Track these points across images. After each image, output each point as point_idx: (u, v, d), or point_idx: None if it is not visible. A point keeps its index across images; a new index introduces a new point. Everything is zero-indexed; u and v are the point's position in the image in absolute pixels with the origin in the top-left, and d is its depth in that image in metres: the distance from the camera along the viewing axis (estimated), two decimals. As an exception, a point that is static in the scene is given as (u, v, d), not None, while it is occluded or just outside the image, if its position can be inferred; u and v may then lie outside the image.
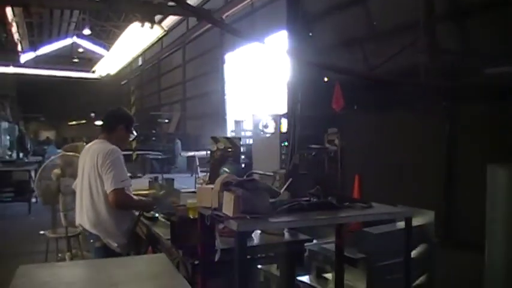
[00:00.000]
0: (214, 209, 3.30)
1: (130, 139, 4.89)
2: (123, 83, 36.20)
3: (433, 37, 7.82)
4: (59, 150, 9.88)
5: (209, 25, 21.43)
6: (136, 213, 4.75)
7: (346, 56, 11.25)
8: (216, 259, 3.36)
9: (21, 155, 16.37)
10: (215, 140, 5.83)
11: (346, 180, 8.56)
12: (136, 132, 4.92)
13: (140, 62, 31.90)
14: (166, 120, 26.48)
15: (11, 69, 15.23)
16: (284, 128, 11.92)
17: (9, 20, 21.76)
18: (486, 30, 7.02)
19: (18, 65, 15.93)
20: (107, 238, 4.43)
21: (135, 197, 4.60)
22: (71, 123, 32.71)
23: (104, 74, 13.85)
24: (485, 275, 1.78)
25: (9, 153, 18.09)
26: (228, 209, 3.12)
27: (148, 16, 23.71)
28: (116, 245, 4.43)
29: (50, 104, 30.64)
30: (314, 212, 3.28)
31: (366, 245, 4.69)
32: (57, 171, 6.18)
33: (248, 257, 3.42)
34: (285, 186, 3.79)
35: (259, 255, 4.08)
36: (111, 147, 4.41)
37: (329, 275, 5.09)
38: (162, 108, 29.66)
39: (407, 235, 3.22)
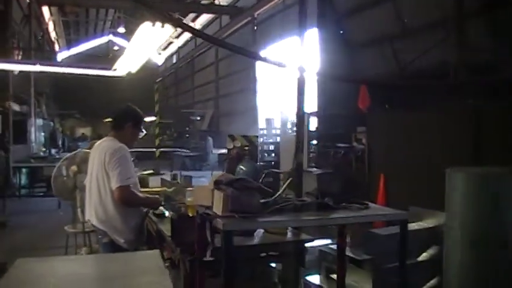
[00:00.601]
0: (207, 208, 3.29)
1: (140, 137, 4.90)
2: (158, 80, 36.67)
3: (462, 33, 7.66)
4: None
5: (242, 23, 21.57)
6: (144, 210, 4.76)
7: (377, 53, 11.15)
8: (207, 256, 3.34)
9: (53, 151, 16.72)
10: (232, 138, 5.79)
11: (372, 180, 8.45)
12: (145, 130, 4.93)
13: (175, 60, 32.26)
14: (198, 118, 26.65)
15: (44, 68, 15.54)
16: (312, 126, 11.88)
17: (46, 19, 22.26)
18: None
19: (46, 63, 16.24)
20: (114, 234, 4.45)
21: (141, 194, 4.61)
22: (106, 120, 33.17)
23: (124, 72, 13.97)
24: (443, 278, 1.72)
25: (44, 149, 18.51)
26: (217, 208, 3.11)
27: (182, 14, 23.93)
28: (122, 241, 4.45)
29: (85, 101, 31.20)
30: (307, 212, 3.24)
31: (372, 246, 4.61)
32: (74, 167, 6.27)
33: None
34: (285, 186, 3.75)
35: (261, 255, 4.06)
36: (118, 145, 4.44)
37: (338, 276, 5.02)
38: (195, 105, 29.88)
39: (402, 238, 3.13)
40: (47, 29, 23.25)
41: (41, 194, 13.71)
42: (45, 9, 21.41)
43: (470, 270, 1.60)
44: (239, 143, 6.08)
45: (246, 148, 5.78)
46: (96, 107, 31.67)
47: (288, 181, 3.83)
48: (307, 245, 5.38)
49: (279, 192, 3.76)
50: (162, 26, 9.32)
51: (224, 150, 19.71)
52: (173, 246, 4.00)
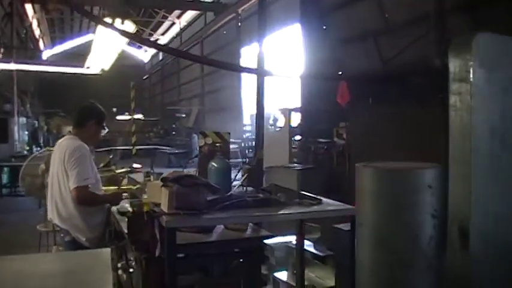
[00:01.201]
0: (156, 205, 3.29)
1: (102, 134, 4.87)
2: (144, 78, 36.59)
3: (443, 29, 7.65)
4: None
5: (226, 19, 21.54)
6: (106, 206, 4.73)
7: (360, 49, 11.15)
8: (156, 254, 3.33)
9: (35, 149, 16.62)
10: (204, 134, 5.78)
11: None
12: (107, 127, 4.91)
13: (161, 57, 32.15)
14: (184, 115, 26.59)
15: (19, 66, 15.45)
16: (295, 122, 11.90)
17: (30, 16, 22.11)
18: (495, 22, 6.83)
19: (20, 61, 16.15)
20: (75, 232, 4.44)
21: (100, 192, 4.59)
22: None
23: (98, 70, 13.92)
24: (357, 276, 1.72)
25: (28, 148, 18.39)
26: (164, 205, 3.11)
27: (167, 11, 23.81)
28: (84, 239, 4.44)
29: (71, 99, 30.94)
30: (257, 208, 3.24)
31: (334, 242, 4.62)
32: (42, 166, 6.24)
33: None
34: (241, 182, 3.75)
35: (220, 252, 4.06)
36: (77, 144, 4.41)
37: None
38: (181, 102, 29.81)
39: (351, 233, 3.13)
40: (30, 26, 23.08)
41: (23, 193, 13.62)
42: (29, 7, 21.29)
43: (376, 270, 1.60)
44: (211, 140, 6.01)
45: (218, 145, 5.72)
46: (80, 104, 31.51)
47: (244, 177, 3.83)
48: (275, 241, 5.42)
49: (234, 189, 3.78)
50: (122, 23, 9.27)
51: (209, 147, 19.70)
52: (129, 244, 3.99)
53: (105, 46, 10.51)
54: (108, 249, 3.43)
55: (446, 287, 1.70)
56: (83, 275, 2.74)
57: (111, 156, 12.34)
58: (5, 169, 14.57)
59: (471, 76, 1.60)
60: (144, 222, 3.69)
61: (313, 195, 3.59)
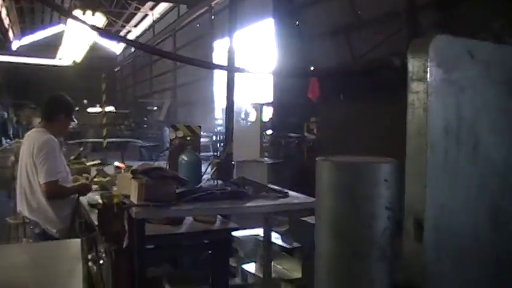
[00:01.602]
0: (126, 196, 3.33)
1: (70, 126, 4.87)
2: (116, 69, 36.28)
3: (414, 26, 7.81)
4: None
5: (199, 12, 21.49)
6: (74, 197, 4.73)
7: (332, 45, 11.27)
8: (124, 245, 3.37)
9: (4, 141, 16.40)
10: (174, 128, 5.81)
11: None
12: (76, 119, 4.90)
13: (133, 49, 31.86)
14: (155, 108, 26.45)
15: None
16: (266, 116, 11.98)
17: (-1, 5, 21.69)
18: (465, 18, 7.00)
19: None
20: (45, 224, 4.44)
21: (68, 185, 4.59)
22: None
23: (69, 61, 13.81)
24: (316, 268, 1.80)
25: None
26: (134, 197, 3.15)
27: (140, 3, 23.62)
28: (54, 230, 4.44)
29: (41, 91, 30.46)
30: (224, 201, 3.30)
31: (302, 234, 4.71)
32: (12, 158, 6.20)
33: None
34: (210, 175, 3.82)
35: (189, 243, 4.12)
36: (46, 138, 4.39)
37: (272, 264, 5.11)
38: (153, 95, 29.64)
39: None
40: (-1, 16, 22.66)
41: (-6, 185, 13.42)
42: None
43: (333, 261, 1.68)
44: (181, 133, 6.05)
45: (188, 138, 5.76)
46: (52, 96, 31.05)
47: (213, 170, 3.89)
48: (244, 234, 5.49)
49: (203, 182, 3.83)
50: (93, 15, 9.22)
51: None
52: (99, 235, 4.02)
53: (77, 37, 10.41)
54: (78, 240, 3.46)
55: (401, 275, 1.79)
56: (52, 266, 2.77)
57: (81, 149, 12.26)
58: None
59: (428, 76, 1.69)
60: (114, 214, 3.73)
61: (280, 189, 3.67)
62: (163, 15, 26.33)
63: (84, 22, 3.42)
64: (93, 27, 3.65)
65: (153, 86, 30.14)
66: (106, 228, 3.80)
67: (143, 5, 26.52)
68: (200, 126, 6.66)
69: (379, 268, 1.60)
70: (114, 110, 29.83)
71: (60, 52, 14.81)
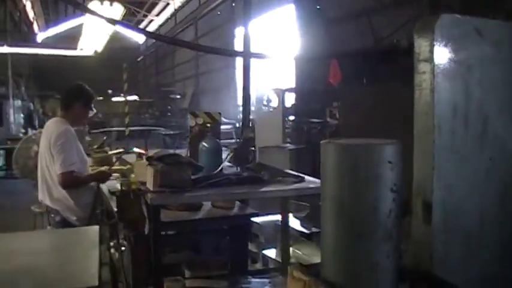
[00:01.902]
0: (143, 183, 3.37)
1: (90, 115, 4.90)
2: (139, 59, 36.49)
3: (436, 8, 7.67)
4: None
5: (220, 0, 21.46)
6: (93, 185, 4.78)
7: (353, 28, 11.16)
8: (146, 232, 3.41)
9: (30, 132, 16.64)
10: (194, 115, 5.82)
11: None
12: (95, 108, 4.94)
13: (155, 38, 31.93)
14: (178, 96, 26.58)
15: (9, 50, 15.42)
16: (288, 102, 11.95)
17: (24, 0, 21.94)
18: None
19: (16, 45, 16.08)
20: (65, 212, 4.49)
21: (85, 174, 4.62)
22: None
23: (91, 51, 13.91)
24: (321, 249, 1.81)
25: (24, 130, 18.42)
26: (149, 183, 3.18)
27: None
28: (74, 218, 4.49)
29: (66, 81, 30.75)
30: (239, 186, 3.31)
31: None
32: (35, 147, 6.27)
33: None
34: (225, 161, 3.82)
35: (207, 229, 4.15)
36: (63, 128, 4.43)
37: (291, 249, 5.12)
38: (176, 84, 29.76)
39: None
40: (24, 9, 22.90)
41: (18, 175, 13.63)
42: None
43: (339, 242, 1.68)
44: (201, 120, 6.07)
45: (208, 125, 5.78)
46: (77, 87, 31.34)
47: (229, 156, 3.90)
48: (264, 219, 5.50)
49: (219, 168, 3.85)
50: (111, 5, 9.26)
51: (203, 128, 19.74)
52: (119, 222, 4.07)
53: (96, 27, 10.47)
54: (96, 227, 3.50)
55: (409, 258, 1.78)
56: (68, 251, 2.81)
57: (104, 138, 12.38)
58: (1, 152, 14.62)
59: (434, 56, 1.66)
60: (131, 201, 3.77)
61: (296, 174, 3.67)
62: (184, 4, 26.32)
63: (100, 15, 3.41)
64: (109, 20, 3.65)
65: (176, 75, 30.25)
66: (124, 214, 3.84)
67: (166, -6, 26.61)
68: (220, 113, 6.66)
69: (385, 250, 1.59)
70: (138, 99, 30.11)
71: (81, 42, 14.94)
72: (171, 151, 3.91)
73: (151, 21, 30.84)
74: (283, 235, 4.19)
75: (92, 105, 4.87)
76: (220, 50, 5.20)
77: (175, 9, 27.82)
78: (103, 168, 5.08)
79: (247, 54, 4.85)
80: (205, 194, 3.23)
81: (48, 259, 2.67)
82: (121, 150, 8.05)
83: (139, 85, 35.83)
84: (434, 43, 1.68)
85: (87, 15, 9.97)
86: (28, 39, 24.18)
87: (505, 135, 1.92)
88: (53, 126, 4.51)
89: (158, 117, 28.17)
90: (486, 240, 1.90)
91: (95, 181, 4.68)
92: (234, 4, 20.61)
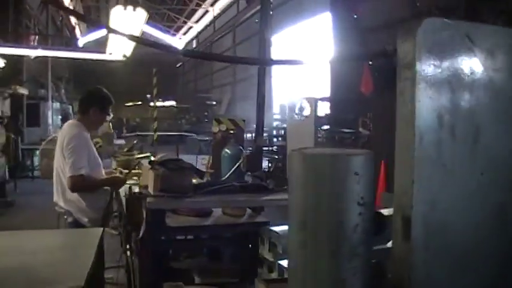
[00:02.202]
0: (145, 187, 3.34)
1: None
2: (178, 65, 36.86)
3: (475, 18, 7.48)
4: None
5: (258, 8, 21.52)
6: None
7: (389, 37, 11.00)
8: (140, 235, 3.38)
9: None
10: (218, 121, 5.78)
11: (377, 166, 8.41)
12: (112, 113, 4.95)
13: (194, 45, 32.32)
14: (214, 103, 26.72)
15: (44, 53, 15.76)
16: (321, 111, 11.85)
17: (66, 3, 22.43)
18: None
19: (47, 47, 16.41)
20: (77, 213, 4.52)
21: (99, 177, 4.63)
22: (127, 104, 33.64)
23: (120, 56, 14.05)
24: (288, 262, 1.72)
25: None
26: (151, 187, 3.15)
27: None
28: (86, 219, 4.51)
29: (106, 85, 31.38)
30: (242, 194, 3.25)
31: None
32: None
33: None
34: (235, 168, 3.76)
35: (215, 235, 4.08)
36: (75, 132, 4.46)
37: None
38: (213, 90, 29.96)
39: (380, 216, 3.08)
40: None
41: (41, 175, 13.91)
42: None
43: (303, 255, 1.59)
44: (225, 127, 6.06)
45: (231, 132, 5.76)
46: (117, 90, 31.92)
47: (238, 163, 3.84)
48: (283, 229, 5.40)
49: (228, 174, 3.79)
50: (134, 10, 9.33)
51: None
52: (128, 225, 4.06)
53: (121, 32, 10.50)
54: (100, 229, 3.49)
55: (387, 278, 1.68)
56: (63, 252, 2.81)
57: (135, 142, 12.50)
58: (36, 152, 14.96)
59: (417, 62, 1.56)
60: (137, 204, 3.76)
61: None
62: (223, 11, 26.53)
63: (120, 33, 3.37)
64: (131, 37, 3.61)
65: (214, 81, 30.46)
66: (131, 218, 3.83)
67: (204, 1, 26.83)
68: (244, 120, 6.60)
69: (351, 267, 1.49)
70: (175, 105, 30.42)
71: (109, 47, 15.14)
72: (175, 156, 3.88)
73: (190, 28, 31.19)
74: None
75: (110, 110, 4.88)
76: (236, 59, 5.14)
77: (214, 17, 28.07)
78: (117, 174, 5.09)
79: (262, 62, 4.79)
80: (205, 200, 3.18)
81: (40, 259, 2.67)
82: (148, 154, 8.11)
83: (177, 90, 36.21)
84: (417, 48, 1.58)
85: (111, 19, 10.08)
86: (70, 43, 24.72)
87: (499, 149, 1.79)
88: (67, 129, 4.54)
89: (195, 123, 28.40)
90: (477, 263, 1.77)
91: (108, 186, 4.69)
92: (271, 12, 20.61)
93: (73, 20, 25.66)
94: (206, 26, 29.96)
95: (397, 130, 1.65)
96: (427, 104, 1.61)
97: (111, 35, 11.44)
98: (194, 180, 3.98)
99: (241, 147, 6.07)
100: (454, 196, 1.69)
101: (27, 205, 11.37)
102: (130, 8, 9.31)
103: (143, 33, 31.29)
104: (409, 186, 1.60)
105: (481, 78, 1.72)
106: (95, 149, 4.63)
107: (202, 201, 3.21)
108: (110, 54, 12.95)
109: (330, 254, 1.47)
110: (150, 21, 30.07)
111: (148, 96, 31.80)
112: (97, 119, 4.74)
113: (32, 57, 16.45)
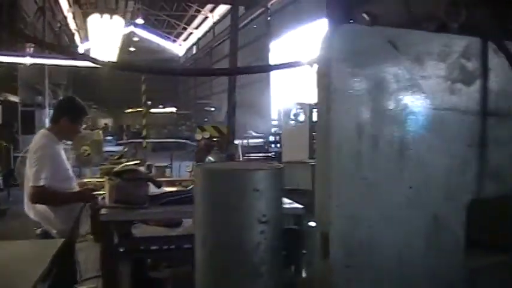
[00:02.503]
0: (103, 198, 3.26)
1: (80, 131, 4.72)
2: (179, 71, 36.83)
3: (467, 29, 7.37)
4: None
5: (256, 14, 21.54)
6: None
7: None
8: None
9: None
10: (201, 129, 5.69)
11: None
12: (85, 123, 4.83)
13: (194, 51, 32.31)
14: (213, 109, 26.67)
15: (34, 60, 15.79)
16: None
17: (65, 10, 22.49)
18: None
19: (36, 55, 16.37)
20: (46, 225, 4.40)
21: (59, 192, 4.47)
22: (127, 111, 33.63)
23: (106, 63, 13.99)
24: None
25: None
26: (106, 198, 3.08)
27: (200, 6, 23.91)
28: (55, 231, 4.39)
29: (106, 92, 31.58)
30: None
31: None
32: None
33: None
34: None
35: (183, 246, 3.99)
36: (42, 142, 4.31)
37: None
38: (213, 96, 29.92)
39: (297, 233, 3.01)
40: (65, 20, 23.48)
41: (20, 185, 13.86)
42: (63, 1, 21.68)
43: (206, 273, 1.50)
44: (208, 134, 6.01)
45: (215, 139, 5.71)
46: (116, 97, 31.97)
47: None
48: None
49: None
50: (111, 18, 9.28)
51: (237, 141, 19.71)
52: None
53: (101, 40, 10.49)
54: (60, 240, 3.41)
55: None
56: (14, 265, 2.72)
57: (125, 149, 12.43)
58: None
59: (332, 71, 1.48)
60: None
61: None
62: (222, 17, 26.52)
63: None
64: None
65: (213, 88, 30.42)
66: (94, 228, 3.75)
67: (203, 7, 26.83)
68: (228, 127, 6.52)
69: (251, 285, 1.41)
70: (175, 111, 30.40)
71: (93, 54, 15.14)
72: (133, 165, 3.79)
73: (190, 34, 31.21)
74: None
75: (82, 120, 4.71)
76: (207, 71, 5.05)
77: (213, 23, 28.05)
78: (90, 186, 4.95)
79: (232, 71, 4.72)
80: (160, 211, 3.10)
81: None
82: (137, 162, 8.02)
83: (179, 97, 36.21)
84: (332, 57, 1.50)
85: (89, 28, 10.09)
86: (68, 50, 24.73)
87: (431, 160, 1.71)
88: (36, 139, 4.43)
89: (194, 129, 28.31)
90: (407, 281, 1.68)
91: (75, 200, 4.50)
92: (269, 18, 20.61)
93: (72, 26, 25.68)
94: (206, 32, 29.95)
95: (316, 142, 1.58)
96: (344, 114, 1.53)
97: (92, 44, 11.42)
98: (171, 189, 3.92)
99: (223, 155, 5.99)
100: (378, 211, 1.60)
101: (21, 214, 11.29)
102: (106, 16, 9.26)
103: (143, 40, 31.36)
104: (327, 201, 1.52)
105: (407, 86, 1.64)
106: (66, 161, 4.48)
107: (157, 212, 3.12)
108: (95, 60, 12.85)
109: (230, 273, 1.39)
110: (150, 27, 30.15)
111: (149, 102, 31.81)
112: (68, 129, 4.56)
113: (28, 65, 16.43)
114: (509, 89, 1.89)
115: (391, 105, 1.61)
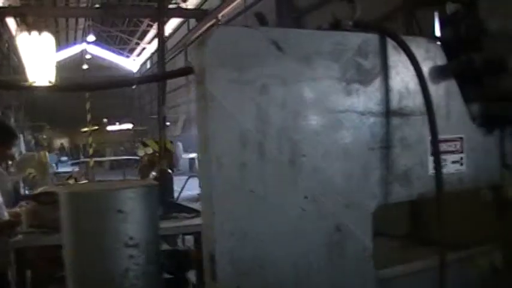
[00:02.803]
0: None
1: (10, 155, 4.47)
2: (133, 87, 36.36)
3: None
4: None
5: (207, 25, 21.40)
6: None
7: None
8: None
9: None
10: (144, 144, 5.53)
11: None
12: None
13: (149, 65, 31.99)
14: (168, 124, 26.37)
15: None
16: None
17: (13, 30, 21.92)
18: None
19: None
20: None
21: None
22: (83, 129, 32.91)
23: (45, 82, 13.62)
24: None
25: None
26: (23, 223, 2.90)
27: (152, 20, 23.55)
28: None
29: (60, 111, 30.87)
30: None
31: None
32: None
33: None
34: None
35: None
36: None
37: None
38: (168, 111, 29.60)
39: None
40: (12, 40, 22.87)
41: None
42: (10, 21, 21.12)
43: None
44: (151, 150, 5.83)
45: (158, 154, 5.53)
46: (72, 116, 31.26)
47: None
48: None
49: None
50: (39, 34, 9.05)
51: (193, 155, 19.48)
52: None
53: (35, 58, 10.12)
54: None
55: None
56: None
57: (76, 169, 12.13)
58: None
59: (207, 77, 1.37)
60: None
61: (193, 208, 3.36)
62: (175, 31, 26.34)
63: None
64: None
65: (168, 102, 30.09)
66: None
67: (155, 21, 26.57)
68: (172, 141, 6.34)
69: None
70: (132, 128, 29.95)
71: (30, 75, 14.68)
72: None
73: (143, 48, 30.91)
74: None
75: (12, 144, 4.47)
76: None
77: (166, 37, 27.79)
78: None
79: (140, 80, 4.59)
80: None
81: None
82: (85, 181, 7.81)
83: (134, 113, 35.76)
84: (208, 62, 1.39)
85: (19, 44, 9.81)
86: (19, 70, 24.09)
87: (328, 167, 1.61)
88: None
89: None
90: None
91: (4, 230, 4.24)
92: (220, 29, 20.53)
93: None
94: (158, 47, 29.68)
95: (198, 154, 1.46)
96: (225, 121, 1.41)
97: (25, 62, 11.02)
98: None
99: (170, 171, 5.82)
100: (270, 226, 1.49)
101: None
102: (35, 33, 8.99)
103: (96, 57, 30.89)
104: (210, 217, 1.40)
105: (296, 89, 1.54)
106: None
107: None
108: (34, 82, 12.39)
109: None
110: (103, 43, 29.73)
111: (105, 120, 31.32)
112: None
113: (-27, 87, 15.92)
114: (412, 87, 1.81)
115: (277, 111, 1.50)
